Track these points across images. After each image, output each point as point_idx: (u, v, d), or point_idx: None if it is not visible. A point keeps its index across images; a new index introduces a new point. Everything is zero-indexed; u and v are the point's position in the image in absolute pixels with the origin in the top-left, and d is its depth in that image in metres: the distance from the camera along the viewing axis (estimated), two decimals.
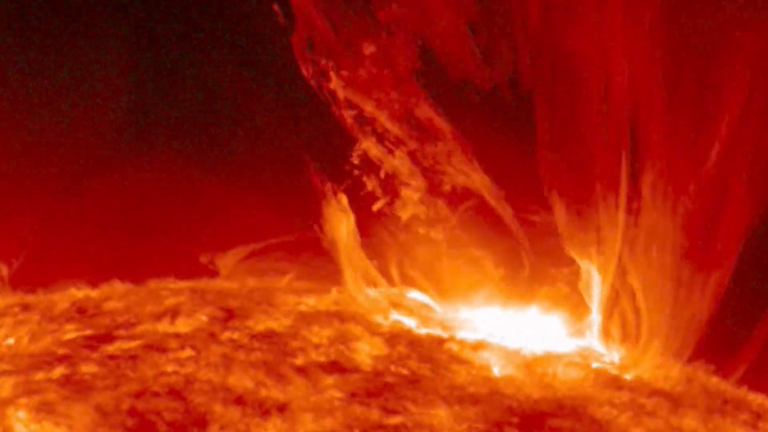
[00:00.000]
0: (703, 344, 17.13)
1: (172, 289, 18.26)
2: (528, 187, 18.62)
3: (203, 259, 19.47)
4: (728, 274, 17.04)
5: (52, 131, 19.35)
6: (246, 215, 19.40)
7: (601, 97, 17.19)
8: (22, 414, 13.26)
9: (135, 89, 19.51)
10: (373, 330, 16.42)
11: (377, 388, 14.36)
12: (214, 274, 19.57)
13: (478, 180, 18.53)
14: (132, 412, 13.49)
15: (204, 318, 16.45)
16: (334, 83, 18.30)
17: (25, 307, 17.27)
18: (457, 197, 18.95)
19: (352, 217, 18.51)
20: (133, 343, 15.47)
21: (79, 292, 18.27)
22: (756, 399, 16.26)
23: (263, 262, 19.68)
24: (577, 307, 18.02)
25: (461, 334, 16.95)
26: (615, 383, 15.71)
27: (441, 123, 18.30)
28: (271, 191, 19.53)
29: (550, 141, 17.70)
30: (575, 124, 17.55)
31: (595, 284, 17.77)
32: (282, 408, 13.67)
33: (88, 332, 16.02)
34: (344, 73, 18.22)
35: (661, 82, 16.93)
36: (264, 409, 13.61)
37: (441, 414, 13.78)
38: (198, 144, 19.79)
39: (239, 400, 13.84)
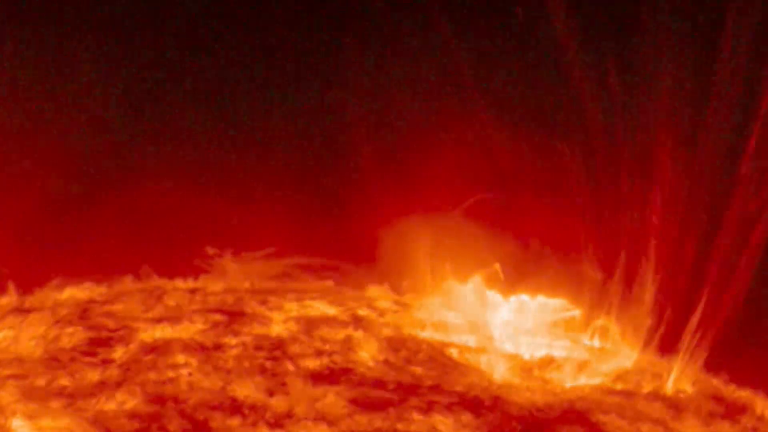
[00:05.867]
0: (708, 348, 17.09)
1: (174, 292, 18.21)
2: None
3: (206, 262, 19.45)
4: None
5: (60, 139, 19.42)
6: (247, 221, 19.42)
7: None
8: (22, 420, 13.23)
9: (141, 102, 19.59)
10: (375, 335, 16.36)
11: (380, 395, 14.29)
12: (216, 276, 19.53)
13: None
14: (132, 418, 13.44)
15: (206, 322, 16.38)
16: None
17: (29, 310, 17.24)
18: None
19: None
20: (135, 348, 15.42)
21: (83, 294, 18.25)
22: (760, 402, 16.18)
23: (266, 265, 19.67)
24: (580, 310, 18.02)
25: (462, 338, 16.90)
26: (617, 388, 15.65)
27: None
28: (272, 197, 19.57)
29: None
30: None
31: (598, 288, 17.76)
32: (284, 416, 13.61)
33: (90, 336, 15.98)
34: None
35: None
36: (265, 417, 13.56)
37: (443, 420, 13.73)
38: (201, 153, 19.86)
39: (240, 408, 13.78)
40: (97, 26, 19.40)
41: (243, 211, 19.72)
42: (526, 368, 15.99)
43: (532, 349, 16.72)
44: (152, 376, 14.54)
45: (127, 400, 13.87)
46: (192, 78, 19.82)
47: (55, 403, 13.74)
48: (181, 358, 15.09)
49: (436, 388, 14.71)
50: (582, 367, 16.22)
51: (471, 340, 16.82)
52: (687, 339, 16.99)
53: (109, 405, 13.77)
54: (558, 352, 16.80)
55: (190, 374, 14.60)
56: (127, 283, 18.80)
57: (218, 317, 16.72)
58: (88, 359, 15.07)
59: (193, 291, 18.36)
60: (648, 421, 14.51)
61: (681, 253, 17.77)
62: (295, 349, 15.61)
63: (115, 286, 18.63)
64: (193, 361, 15.02)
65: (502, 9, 18.66)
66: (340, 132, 19.71)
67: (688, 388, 16.04)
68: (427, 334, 16.88)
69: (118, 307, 17.26)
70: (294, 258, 19.53)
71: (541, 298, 18.03)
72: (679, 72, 17.71)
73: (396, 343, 16.17)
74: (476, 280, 18.30)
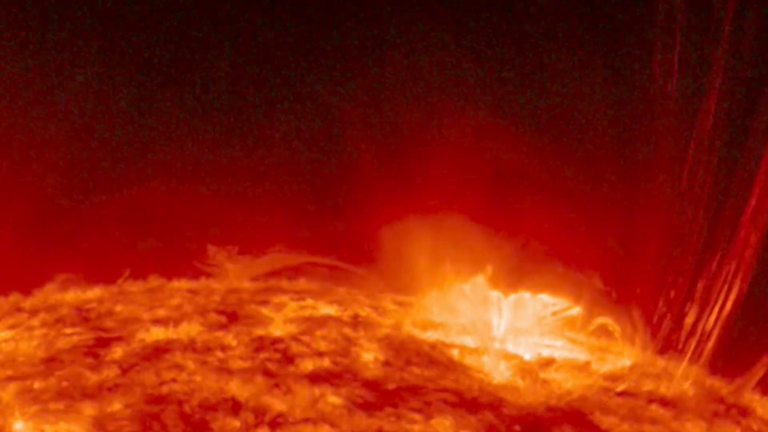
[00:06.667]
0: (710, 349, 17.09)
1: (175, 292, 18.22)
2: None
3: (207, 262, 19.47)
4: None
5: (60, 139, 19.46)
6: (248, 221, 19.44)
7: None
8: (22, 422, 13.22)
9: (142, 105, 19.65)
10: (375, 335, 16.36)
11: (380, 396, 14.29)
12: (217, 276, 19.55)
13: None
14: (132, 418, 13.42)
15: (206, 323, 16.39)
16: None
17: (29, 310, 17.24)
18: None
19: None
20: (135, 349, 15.42)
21: (83, 294, 18.26)
22: (761, 403, 16.15)
23: (266, 265, 19.69)
24: (580, 310, 18.01)
25: (462, 338, 16.89)
26: (617, 388, 15.64)
27: None
28: (273, 198, 19.58)
29: None
30: None
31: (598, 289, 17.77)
32: (283, 416, 13.60)
33: (90, 336, 15.97)
34: None
35: None
36: (265, 418, 13.54)
37: (443, 422, 13.72)
38: (202, 153, 19.92)
39: (240, 408, 13.76)
40: (96, 27, 19.40)
41: (244, 211, 19.72)
42: (526, 368, 15.96)
43: (532, 350, 16.70)
44: (152, 376, 14.52)
45: (127, 401, 13.85)
46: (192, 78, 19.84)
47: (55, 404, 13.72)
48: (181, 359, 15.07)
49: (436, 388, 14.69)
50: (582, 367, 16.21)
51: (471, 340, 16.80)
52: (687, 339, 16.97)
53: (109, 406, 13.75)
54: (558, 353, 16.79)
55: (190, 375, 14.57)
56: (127, 283, 18.79)
57: (219, 317, 16.71)
58: (88, 360, 15.05)
59: (193, 291, 18.37)
60: (648, 422, 14.49)
61: (681, 253, 17.76)
62: (295, 349, 15.60)
63: (115, 286, 18.63)
64: (194, 362, 15.00)
65: (502, 9, 18.66)
66: (340, 132, 19.73)
67: (689, 388, 16.01)
68: (427, 334, 16.87)
69: (118, 307, 17.26)
70: (294, 258, 19.55)
71: (541, 298, 18.02)
72: (678, 71, 17.70)
73: (396, 343, 16.16)
74: (476, 280, 18.29)
